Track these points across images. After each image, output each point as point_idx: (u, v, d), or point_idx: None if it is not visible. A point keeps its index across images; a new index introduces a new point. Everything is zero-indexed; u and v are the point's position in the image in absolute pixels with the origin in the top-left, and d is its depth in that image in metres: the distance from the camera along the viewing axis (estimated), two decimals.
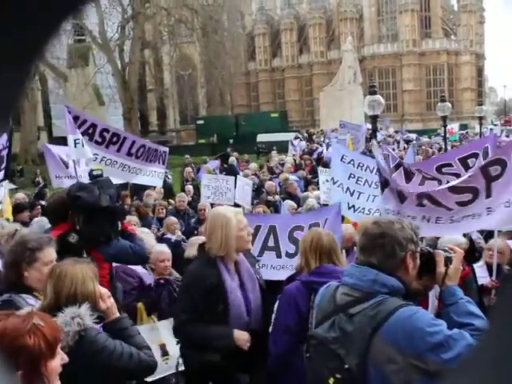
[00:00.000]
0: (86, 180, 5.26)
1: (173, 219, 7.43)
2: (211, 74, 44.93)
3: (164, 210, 8.72)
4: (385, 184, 4.73)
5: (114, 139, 6.98)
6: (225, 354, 3.35)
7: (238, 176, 9.30)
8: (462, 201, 4.32)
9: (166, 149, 8.22)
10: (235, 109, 62.42)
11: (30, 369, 1.89)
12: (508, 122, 52.00)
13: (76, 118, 6.57)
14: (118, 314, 2.79)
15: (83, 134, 6.54)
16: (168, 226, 7.19)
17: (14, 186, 12.90)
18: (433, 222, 4.48)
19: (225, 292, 3.37)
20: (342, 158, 6.42)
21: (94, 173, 4.58)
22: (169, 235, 6.90)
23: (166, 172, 17.65)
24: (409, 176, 5.14)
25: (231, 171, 15.67)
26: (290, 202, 8.85)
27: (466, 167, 5.59)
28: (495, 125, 45.65)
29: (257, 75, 71.84)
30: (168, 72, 49.26)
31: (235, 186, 8.47)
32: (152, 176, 7.80)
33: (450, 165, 5.47)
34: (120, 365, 2.59)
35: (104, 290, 2.75)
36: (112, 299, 2.78)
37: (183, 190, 12.74)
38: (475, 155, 5.40)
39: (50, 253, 3.10)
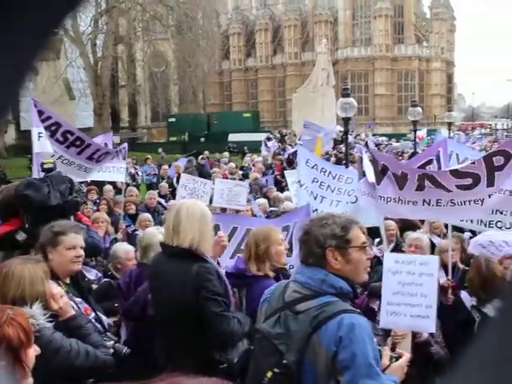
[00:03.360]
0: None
1: (145, 216, 7.36)
2: (184, 72, 44.64)
3: (134, 206, 8.67)
4: (382, 171, 4.66)
5: (77, 143, 6.76)
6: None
7: (219, 179, 9.16)
8: (462, 184, 4.34)
9: (125, 144, 8.36)
10: (208, 107, 62.18)
11: (12, 358, 1.93)
12: (466, 129, 53.73)
13: (41, 113, 6.37)
14: (72, 312, 2.77)
15: (45, 129, 6.36)
16: (140, 223, 7.12)
17: None
18: (433, 205, 4.49)
19: (226, 285, 3.31)
20: (307, 161, 6.46)
21: (45, 166, 4.36)
22: (140, 232, 6.82)
23: (137, 169, 17.60)
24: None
25: (201, 170, 15.65)
26: (261, 201, 8.82)
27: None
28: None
29: (230, 74, 71.79)
30: (141, 68, 48.77)
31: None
32: (110, 172, 7.75)
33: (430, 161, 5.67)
34: (77, 363, 2.58)
35: (56, 290, 2.71)
36: (65, 298, 2.75)
37: (157, 187, 12.78)
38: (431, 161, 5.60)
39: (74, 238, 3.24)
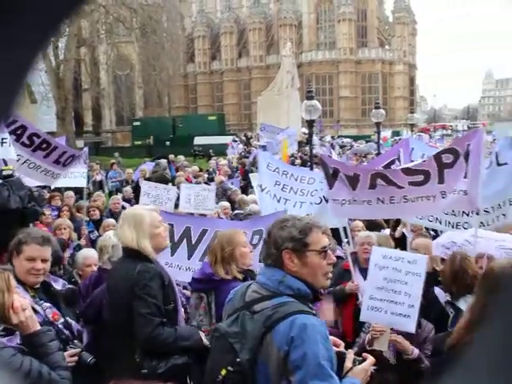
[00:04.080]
0: None
1: (109, 221, 7.28)
2: (149, 75, 44.30)
3: (97, 212, 8.56)
4: (334, 175, 4.67)
5: (44, 146, 6.61)
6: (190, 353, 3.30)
7: (184, 184, 9.03)
8: (414, 181, 4.42)
9: (86, 148, 8.46)
10: (173, 111, 61.86)
11: None
12: (427, 130, 54.99)
13: None
14: (37, 327, 2.59)
15: (10, 133, 6.20)
16: (104, 228, 7.02)
17: None
18: (387, 203, 4.53)
19: (173, 290, 3.32)
20: (268, 165, 6.47)
21: (4, 173, 4.35)
22: None
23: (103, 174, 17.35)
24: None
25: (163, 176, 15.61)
26: (223, 204, 8.77)
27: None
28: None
29: (195, 77, 71.58)
30: (104, 71, 48.20)
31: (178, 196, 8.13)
32: (75, 177, 7.76)
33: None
34: (26, 383, 2.43)
35: (20, 302, 2.54)
36: (29, 312, 2.58)
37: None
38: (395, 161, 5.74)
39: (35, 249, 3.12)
